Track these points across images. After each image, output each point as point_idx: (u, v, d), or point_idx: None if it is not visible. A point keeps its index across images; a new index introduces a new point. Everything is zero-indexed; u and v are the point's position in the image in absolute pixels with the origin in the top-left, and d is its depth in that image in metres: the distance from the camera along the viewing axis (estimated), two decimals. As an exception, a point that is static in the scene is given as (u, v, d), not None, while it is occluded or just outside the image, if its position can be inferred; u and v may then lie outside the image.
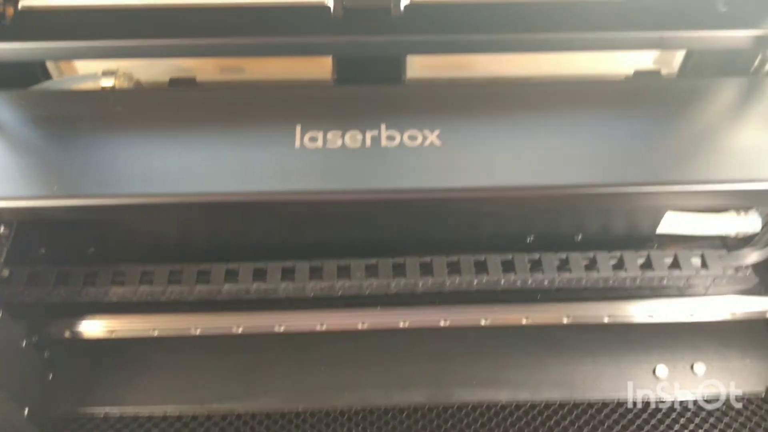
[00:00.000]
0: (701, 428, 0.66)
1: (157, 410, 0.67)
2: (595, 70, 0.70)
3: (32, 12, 0.63)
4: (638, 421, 0.67)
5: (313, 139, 0.57)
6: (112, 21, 0.63)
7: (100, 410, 0.67)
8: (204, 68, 0.69)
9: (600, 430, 0.67)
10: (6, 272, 0.61)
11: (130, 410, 0.67)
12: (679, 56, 0.70)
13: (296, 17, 0.63)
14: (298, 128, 0.58)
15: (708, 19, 0.64)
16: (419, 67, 0.69)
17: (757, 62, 0.65)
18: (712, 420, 0.67)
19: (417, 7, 0.63)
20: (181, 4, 0.63)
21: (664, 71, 0.70)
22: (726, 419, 0.67)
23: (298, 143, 0.57)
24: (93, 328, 0.64)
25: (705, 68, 0.69)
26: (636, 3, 0.65)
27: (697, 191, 0.56)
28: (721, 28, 0.63)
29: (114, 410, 0.67)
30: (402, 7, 0.62)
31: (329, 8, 0.62)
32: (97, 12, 0.63)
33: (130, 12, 0.63)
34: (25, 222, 0.60)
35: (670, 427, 0.67)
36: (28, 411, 0.60)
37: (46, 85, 0.66)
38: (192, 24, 0.63)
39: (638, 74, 0.69)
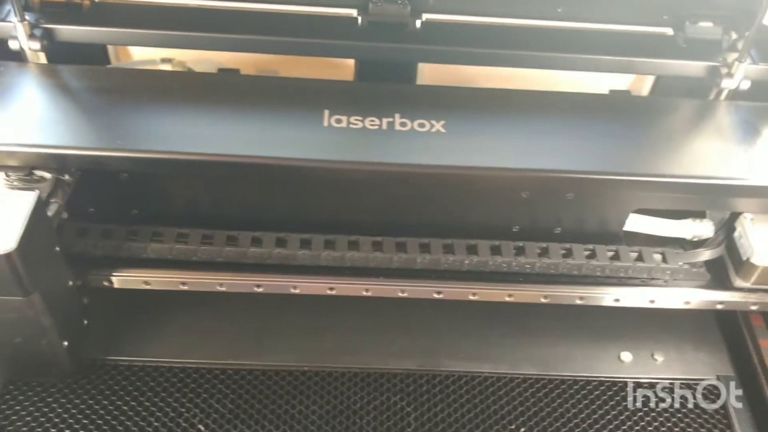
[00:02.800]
0: (659, 407, 0.75)
1: (176, 363, 0.75)
2: (577, 88, 0.82)
3: (105, 4, 0.74)
4: (604, 397, 0.76)
5: (339, 121, 0.68)
6: (169, 15, 0.74)
7: (126, 359, 0.75)
8: (244, 68, 0.80)
9: (570, 402, 0.75)
10: (65, 215, 0.69)
11: (152, 361, 0.75)
12: (648, 83, 0.83)
13: (328, 25, 0.75)
14: (326, 112, 0.69)
15: (671, 53, 0.77)
16: (428, 80, 0.81)
17: (714, 93, 0.77)
18: (669, 400, 0.76)
19: (430, 24, 0.75)
20: (230, 6, 0.75)
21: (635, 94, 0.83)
22: (682, 400, 0.76)
23: (326, 123, 0.68)
24: (129, 278, 0.72)
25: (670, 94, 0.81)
26: (613, 36, 0.77)
27: (653, 182, 0.67)
28: (681, 59, 0.76)
29: (137, 360, 0.75)
30: (418, 24, 0.74)
31: (357, 19, 0.74)
32: (157, 7, 0.75)
33: (185, 9, 0.75)
34: (83, 178, 0.68)
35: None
36: (67, 345, 0.68)
37: (113, 66, 0.77)
38: (238, 23, 0.74)
39: (612, 92, 0.81)
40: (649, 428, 0.73)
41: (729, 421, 0.74)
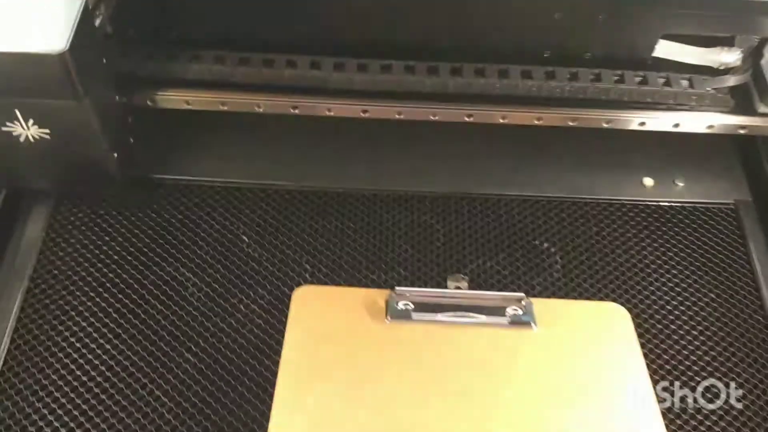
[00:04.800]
0: (678, 226, 0.79)
1: (219, 182, 0.79)
2: None
3: None
4: (625, 218, 0.79)
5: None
6: None
7: (171, 178, 0.79)
8: None
9: (592, 222, 0.79)
10: (110, 29, 0.71)
11: (196, 180, 0.79)
12: None
13: None
14: None
15: None
16: None
17: None
18: (687, 221, 0.79)
19: None
20: None
21: None
22: (698, 223, 0.79)
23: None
24: (171, 97, 0.76)
25: None
26: None
27: None
28: None
29: (182, 179, 0.79)
30: None
31: None
32: None
33: None
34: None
35: (651, 223, 0.79)
36: (117, 157, 0.71)
37: None
38: None
39: None
40: (667, 245, 0.77)
41: (744, 240, 0.78)
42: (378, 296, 0.65)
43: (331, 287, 0.70)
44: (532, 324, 0.63)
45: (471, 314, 0.63)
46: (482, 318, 0.63)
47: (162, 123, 0.80)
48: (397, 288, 0.64)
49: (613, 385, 0.60)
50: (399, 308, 0.63)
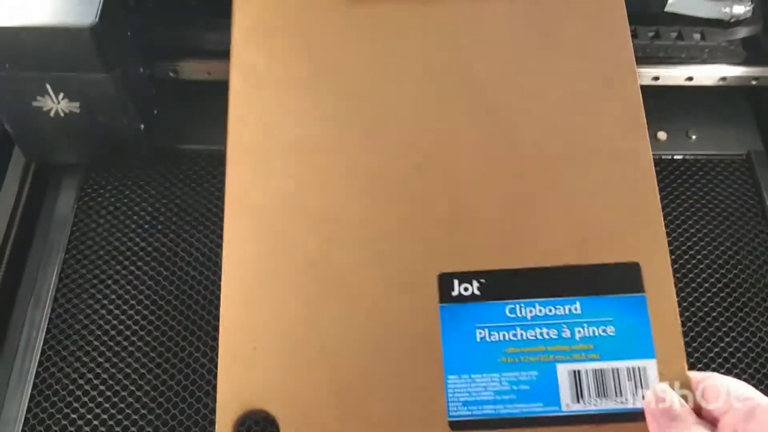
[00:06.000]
0: (692, 178, 0.80)
1: (240, 150, 0.80)
2: None
3: None
4: (640, 172, 0.81)
5: None
6: None
7: (194, 147, 0.80)
8: None
9: (609, 177, 0.80)
10: (132, 1, 0.72)
11: (218, 148, 0.80)
12: None
13: None
14: None
15: None
16: None
17: None
18: (701, 173, 0.81)
19: None
20: None
21: None
22: (712, 174, 0.81)
23: None
24: (193, 68, 0.77)
25: None
26: None
27: None
28: None
29: (204, 149, 0.80)
30: None
31: None
32: None
33: None
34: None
35: (666, 176, 0.80)
36: (144, 128, 0.73)
37: None
38: None
39: None
40: (682, 197, 0.79)
41: (758, 189, 0.80)
42: None
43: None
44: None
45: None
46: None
47: (183, 95, 0.81)
48: None
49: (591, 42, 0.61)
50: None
